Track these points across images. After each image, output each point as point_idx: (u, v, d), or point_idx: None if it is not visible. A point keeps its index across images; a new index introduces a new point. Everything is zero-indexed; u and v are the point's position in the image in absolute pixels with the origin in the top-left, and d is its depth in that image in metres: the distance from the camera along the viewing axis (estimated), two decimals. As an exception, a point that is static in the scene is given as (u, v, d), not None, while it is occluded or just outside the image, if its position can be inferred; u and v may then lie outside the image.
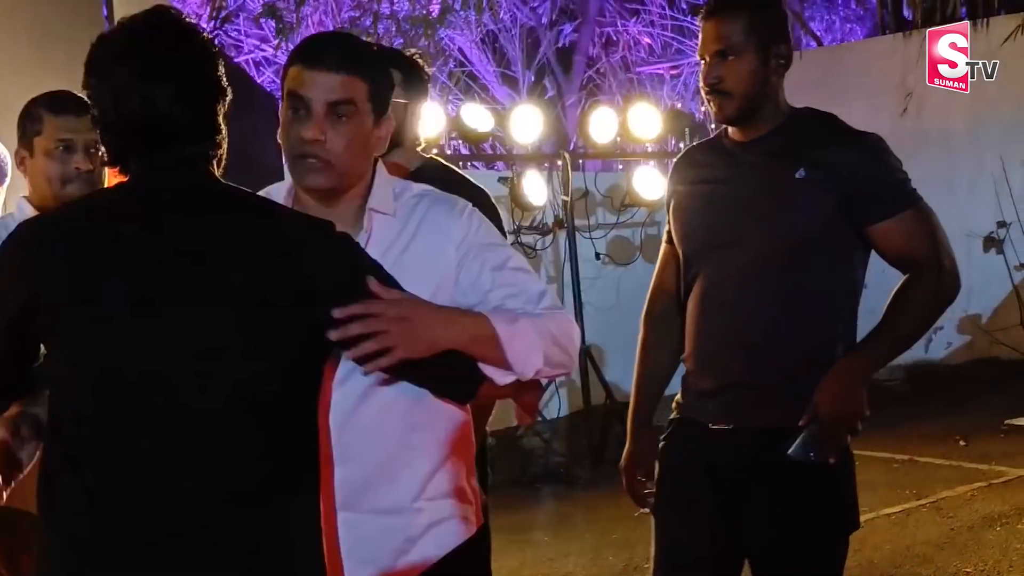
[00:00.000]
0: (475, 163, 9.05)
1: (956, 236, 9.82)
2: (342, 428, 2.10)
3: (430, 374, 1.99)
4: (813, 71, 9.93)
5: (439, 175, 2.92)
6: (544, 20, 13.65)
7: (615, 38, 13.83)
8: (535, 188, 7.26)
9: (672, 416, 2.76)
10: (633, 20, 13.71)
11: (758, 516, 2.55)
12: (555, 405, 7.72)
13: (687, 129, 7.89)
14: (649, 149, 8.01)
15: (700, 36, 2.64)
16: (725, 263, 2.59)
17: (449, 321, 1.98)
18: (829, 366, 2.50)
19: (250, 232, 1.83)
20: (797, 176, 2.54)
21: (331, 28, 11.21)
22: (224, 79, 1.91)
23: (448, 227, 2.20)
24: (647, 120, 7.60)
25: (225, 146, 1.93)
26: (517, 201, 7.21)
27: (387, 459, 2.15)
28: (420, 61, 3.06)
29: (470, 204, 2.26)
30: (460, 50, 13.21)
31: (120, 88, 1.82)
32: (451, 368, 1.99)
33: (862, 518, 2.66)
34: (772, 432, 2.48)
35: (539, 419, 7.53)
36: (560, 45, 13.88)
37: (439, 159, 3.20)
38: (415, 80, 2.99)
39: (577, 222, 7.63)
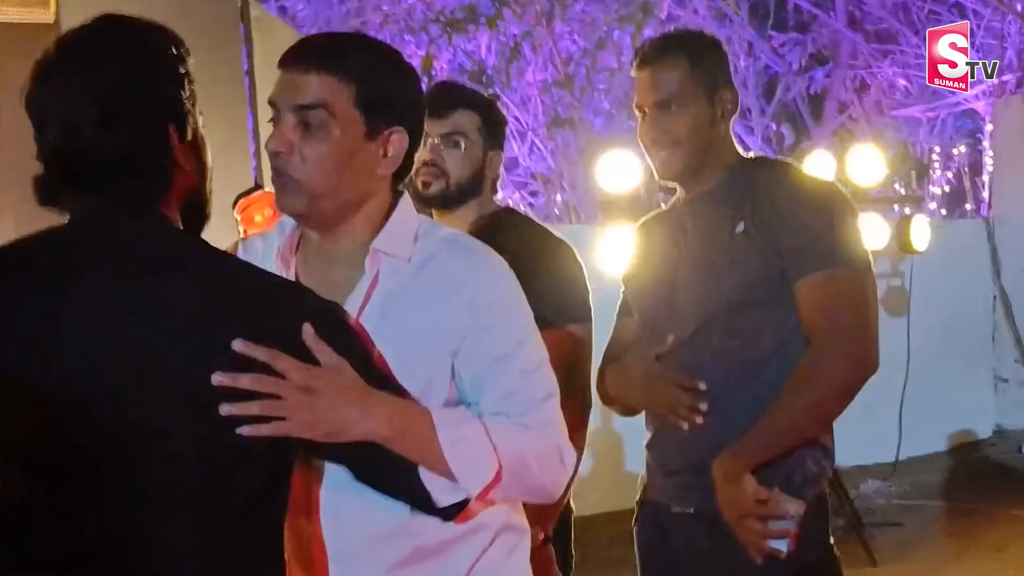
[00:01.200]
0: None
1: None
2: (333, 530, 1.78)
3: (362, 466, 1.66)
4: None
5: (512, 223, 2.72)
6: (794, 67, 13.25)
7: (867, 81, 13.21)
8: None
9: (639, 498, 2.58)
10: (887, 61, 13.05)
11: None
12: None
13: (913, 172, 7.39)
14: (871, 195, 7.53)
15: (636, 86, 2.43)
16: (674, 330, 2.40)
17: (369, 407, 1.62)
18: None
19: (191, 303, 1.52)
20: (736, 231, 2.31)
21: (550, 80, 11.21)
22: (186, 102, 1.58)
23: (467, 282, 1.81)
24: (867, 164, 7.14)
25: (197, 183, 1.64)
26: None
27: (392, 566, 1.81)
28: (498, 104, 2.96)
29: (503, 262, 1.90)
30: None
31: (42, 111, 1.54)
32: (390, 467, 1.65)
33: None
34: None
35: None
36: (810, 91, 13.40)
37: (518, 210, 3.05)
38: (493, 124, 2.79)
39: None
